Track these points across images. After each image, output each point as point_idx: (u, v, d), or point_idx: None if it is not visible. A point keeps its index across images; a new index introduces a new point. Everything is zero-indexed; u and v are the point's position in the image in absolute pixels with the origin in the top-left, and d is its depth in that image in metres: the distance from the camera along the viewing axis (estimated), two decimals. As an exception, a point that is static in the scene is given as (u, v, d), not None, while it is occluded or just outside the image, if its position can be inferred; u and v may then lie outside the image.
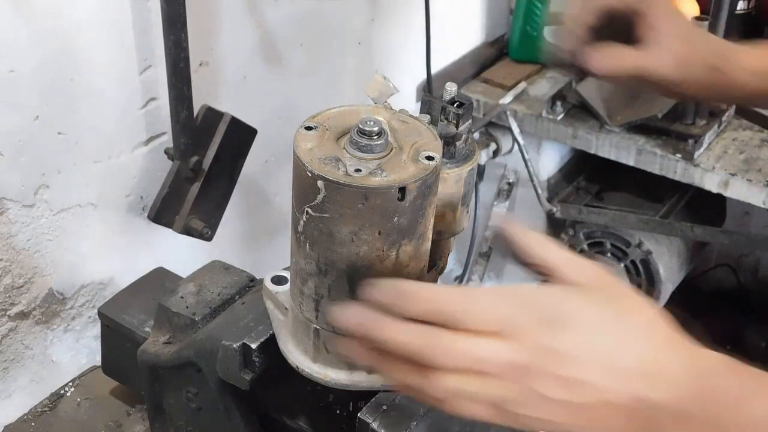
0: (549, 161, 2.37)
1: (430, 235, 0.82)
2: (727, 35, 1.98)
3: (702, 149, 2.00)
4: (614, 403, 0.73)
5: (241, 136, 1.54)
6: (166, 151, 1.48)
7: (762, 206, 1.95)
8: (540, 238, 0.79)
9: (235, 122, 1.51)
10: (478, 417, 0.73)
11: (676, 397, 0.73)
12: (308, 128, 0.80)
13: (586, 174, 2.44)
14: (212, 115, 1.49)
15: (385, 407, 0.86)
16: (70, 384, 1.25)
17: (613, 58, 1.07)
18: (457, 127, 0.86)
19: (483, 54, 2.34)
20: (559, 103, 2.12)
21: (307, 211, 0.77)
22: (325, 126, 0.80)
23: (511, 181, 2.38)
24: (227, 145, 1.51)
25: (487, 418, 0.73)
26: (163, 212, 1.48)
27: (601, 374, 0.73)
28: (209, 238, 1.52)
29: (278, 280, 0.88)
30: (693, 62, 1.07)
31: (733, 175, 1.95)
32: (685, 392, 0.73)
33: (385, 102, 0.84)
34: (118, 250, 1.52)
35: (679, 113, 2.02)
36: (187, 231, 1.50)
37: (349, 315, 0.73)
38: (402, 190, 0.75)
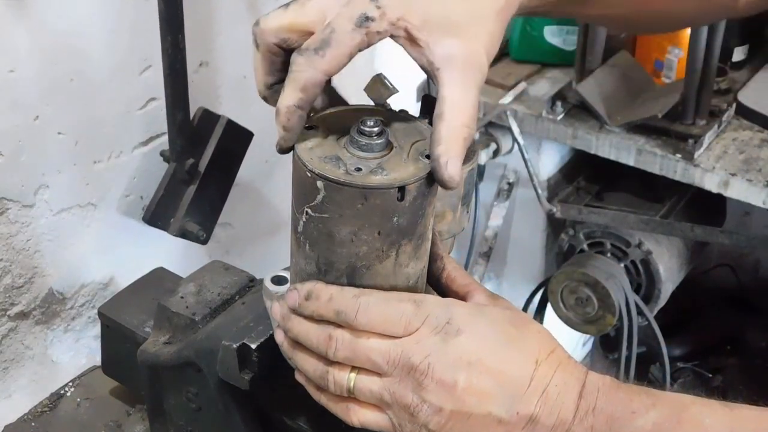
0: (549, 161, 2.37)
1: (430, 235, 0.82)
2: (727, 35, 1.99)
3: (702, 149, 2.00)
4: (499, 418, 0.74)
5: (237, 139, 1.54)
6: (162, 153, 1.47)
7: (762, 206, 1.95)
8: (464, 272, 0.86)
9: (231, 125, 1.51)
10: (375, 427, 0.78)
11: (564, 419, 0.75)
12: (308, 128, 0.80)
13: (586, 174, 2.44)
14: (208, 118, 1.49)
15: None
16: (70, 384, 1.25)
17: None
18: (457, 127, 0.86)
19: (483, 54, 2.34)
20: (559, 103, 2.12)
21: (306, 211, 0.77)
22: (325, 126, 0.80)
23: (511, 181, 2.38)
24: (223, 148, 1.50)
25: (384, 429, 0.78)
26: (158, 214, 1.48)
27: (492, 384, 0.74)
28: (204, 242, 1.52)
29: (278, 280, 0.88)
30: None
31: (733, 175, 1.95)
32: (572, 413, 0.74)
33: (385, 102, 0.84)
34: (118, 249, 1.52)
35: (679, 113, 2.02)
36: (182, 234, 1.49)
37: (275, 310, 0.83)
38: (401, 189, 0.75)
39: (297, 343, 0.81)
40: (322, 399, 0.82)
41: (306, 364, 0.81)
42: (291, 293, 0.81)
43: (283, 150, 0.79)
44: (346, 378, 0.78)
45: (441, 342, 0.75)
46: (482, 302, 0.82)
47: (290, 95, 0.75)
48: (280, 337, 0.84)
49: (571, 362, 0.78)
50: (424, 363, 0.74)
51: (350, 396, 0.79)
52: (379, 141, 0.77)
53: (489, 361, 0.75)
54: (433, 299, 0.78)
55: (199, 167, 1.49)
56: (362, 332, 0.77)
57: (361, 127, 0.77)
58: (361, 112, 0.81)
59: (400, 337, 0.76)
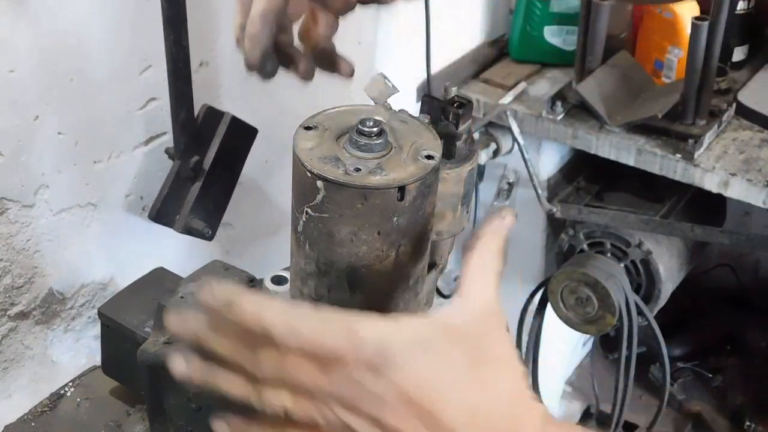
0: (549, 161, 2.37)
1: (430, 235, 0.82)
2: (727, 35, 1.99)
3: (702, 149, 2.00)
4: None
5: (241, 136, 1.54)
6: (167, 151, 1.48)
7: (762, 206, 1.95)
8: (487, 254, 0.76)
9: (235, 122, 1.51)
10: None
11: None
12: (308, 128, 0.80)
13: (586, 174, 2.44)
14: (213, 115, 1.50)
15: None
16: (70, 384, 1.25)
17: None
18: (456, 127, 0.86)
19: (483, 54, 2.34)
20: (559, 103, 2.12)
21: (306, 211, 0.77)
22: (324, 126, 0.80)
23: (511, 181, 2.38)
24: (228, 145, 1.51)
25: None
26: (163, 212, 1.49)
27: (419, 426, 0.67)
28: (210, 238, 1.52)
29: (278, 280, 0.88)
30: None
31: (733, 175, 1.95)
32: None
33: (385, 102, 0.84)
34: (118, 250, 1.52)
35: (679, 113, 2.02)
36: (188, 231, 1.50)
37: (179, 321, 0.71)
38: (401, 189, 0.75)
39: (213, 361, 0.72)
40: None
41: (227, 384, 0.72)
42: (210, 295, 0.71)
43: (250, 65, 0.79)
44: (274, 395, 0.69)
45: (371, 376, 0.67)
46: (454, 312, 0.72)
47: (257, 4, 0.79)
48: (179, 362, 0.73)
49: (538, 407, 0.71)
50: (347, 395, 0.67)
51: (287, 420, 0.70)
52: (378, 141, 0.77)
53: (419, 401, 0.67)
54: (371, 325, 0.69)
55: (204, 164, 1.49)
56: (290, 354, 0.68)
57: (361, 127, 0.77)
58: (361, 112, 0.82)
59: (330, 365, 0.68)
